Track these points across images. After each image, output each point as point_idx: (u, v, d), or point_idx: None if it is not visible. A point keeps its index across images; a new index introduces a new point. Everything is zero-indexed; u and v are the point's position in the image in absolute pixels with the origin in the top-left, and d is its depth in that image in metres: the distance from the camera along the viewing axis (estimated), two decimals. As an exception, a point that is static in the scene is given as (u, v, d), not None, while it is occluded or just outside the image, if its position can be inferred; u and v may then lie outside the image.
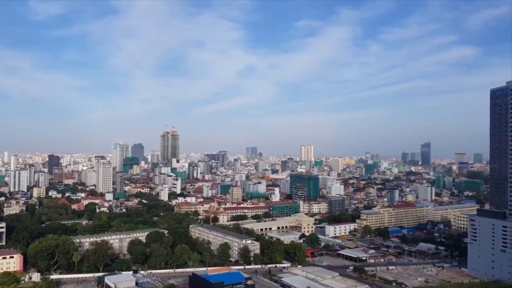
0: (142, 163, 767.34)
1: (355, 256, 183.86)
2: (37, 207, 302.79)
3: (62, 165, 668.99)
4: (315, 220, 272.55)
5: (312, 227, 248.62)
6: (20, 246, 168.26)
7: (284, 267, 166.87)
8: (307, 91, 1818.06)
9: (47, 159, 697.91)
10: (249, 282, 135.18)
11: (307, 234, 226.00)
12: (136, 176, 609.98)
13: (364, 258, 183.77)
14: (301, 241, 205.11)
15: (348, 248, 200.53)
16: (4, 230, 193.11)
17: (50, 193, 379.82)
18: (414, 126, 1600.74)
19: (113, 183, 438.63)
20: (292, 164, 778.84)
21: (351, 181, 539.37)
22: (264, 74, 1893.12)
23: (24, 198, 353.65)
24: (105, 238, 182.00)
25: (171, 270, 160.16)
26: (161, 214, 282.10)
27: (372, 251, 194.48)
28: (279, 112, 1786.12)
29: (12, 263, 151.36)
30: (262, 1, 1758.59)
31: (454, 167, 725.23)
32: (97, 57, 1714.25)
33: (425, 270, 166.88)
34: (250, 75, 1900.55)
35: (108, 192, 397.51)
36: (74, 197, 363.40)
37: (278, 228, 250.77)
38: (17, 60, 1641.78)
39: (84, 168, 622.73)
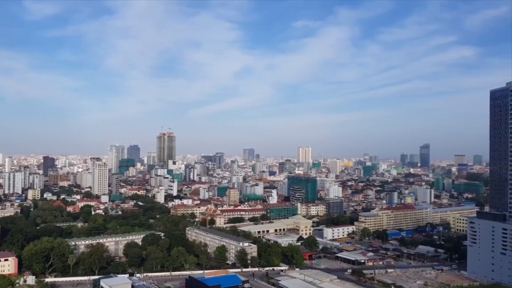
0: (138, 165, 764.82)
1: (354, 259, 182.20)
2: (32, 210, 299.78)
3: (57, 166, 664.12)
4: (313, 222, 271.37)
5: (310, 229, 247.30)
6: (14, 249, 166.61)
7: (282, 270, 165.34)
8: (305, 92, 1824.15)
9: (42, 160, 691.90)
10: (246, 285, 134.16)
11: (304, 236, 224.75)
12: (132, 178, 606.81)
13: (363, 261, 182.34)
14: (299, 243, 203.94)
15: (346, 250, 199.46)
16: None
17: (45, 195, 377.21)
18: (413, 128, 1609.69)
19: (109, 185, 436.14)
20: (290, 166, 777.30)
21: (349, 183, 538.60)
22: (261, 75, 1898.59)
23: (18, 200, 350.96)
24: (101, 240, 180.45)
25: (168, 273, 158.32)
26: (157, 216, 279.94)
27: (370, 253, 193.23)
28: (277, 113, 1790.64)
29: (6, 266, 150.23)
30: (260, 1, 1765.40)
31: (454, 169, 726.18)
32: (93, 58, 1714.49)
33: (424, 273, 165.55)
34: (247, 76, 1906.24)
35: (104, 194, 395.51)
36: (69, 199, 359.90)
37: (276, 230, 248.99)
38: (11, 60, 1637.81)
39: (80, 170, 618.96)
